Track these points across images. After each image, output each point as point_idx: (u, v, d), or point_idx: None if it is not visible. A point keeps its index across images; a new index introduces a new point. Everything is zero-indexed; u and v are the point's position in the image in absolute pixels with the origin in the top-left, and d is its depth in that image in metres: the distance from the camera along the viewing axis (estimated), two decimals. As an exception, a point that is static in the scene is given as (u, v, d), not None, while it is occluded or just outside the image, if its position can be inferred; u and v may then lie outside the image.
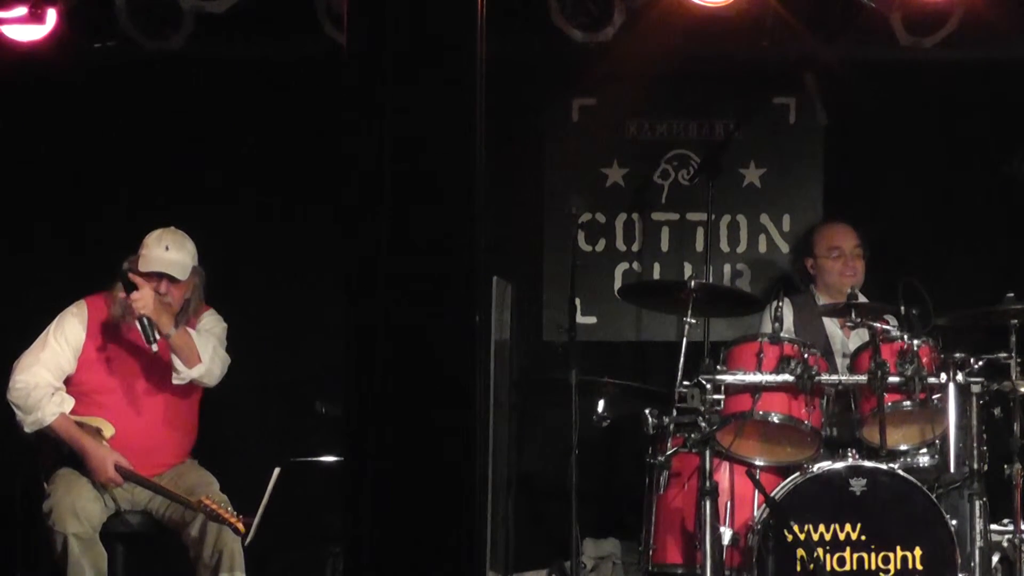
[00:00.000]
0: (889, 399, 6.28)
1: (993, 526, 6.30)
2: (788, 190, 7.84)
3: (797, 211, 7.82)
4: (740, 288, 7.70)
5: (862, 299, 6.92)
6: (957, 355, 6.26)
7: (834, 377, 6.45)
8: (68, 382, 6.40)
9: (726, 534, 6.14)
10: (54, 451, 6.35)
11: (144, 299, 6.27)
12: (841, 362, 6.90)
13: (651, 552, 6.46)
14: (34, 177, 7.59)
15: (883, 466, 6.20)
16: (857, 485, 6.15)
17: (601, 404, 6.75)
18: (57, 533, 6.17)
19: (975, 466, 6.22)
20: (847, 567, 6.11)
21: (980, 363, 6.29)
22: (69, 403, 6.35)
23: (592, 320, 7.76)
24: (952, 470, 6.22)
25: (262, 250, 7.64)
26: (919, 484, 6.16)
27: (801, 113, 7.77)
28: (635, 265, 7.84)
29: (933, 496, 6.16)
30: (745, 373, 6.35)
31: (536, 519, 7.57)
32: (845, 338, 7.08)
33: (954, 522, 6.16)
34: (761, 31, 7.21)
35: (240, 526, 6.10)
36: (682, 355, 6.42)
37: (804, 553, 6.08)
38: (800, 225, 7.75)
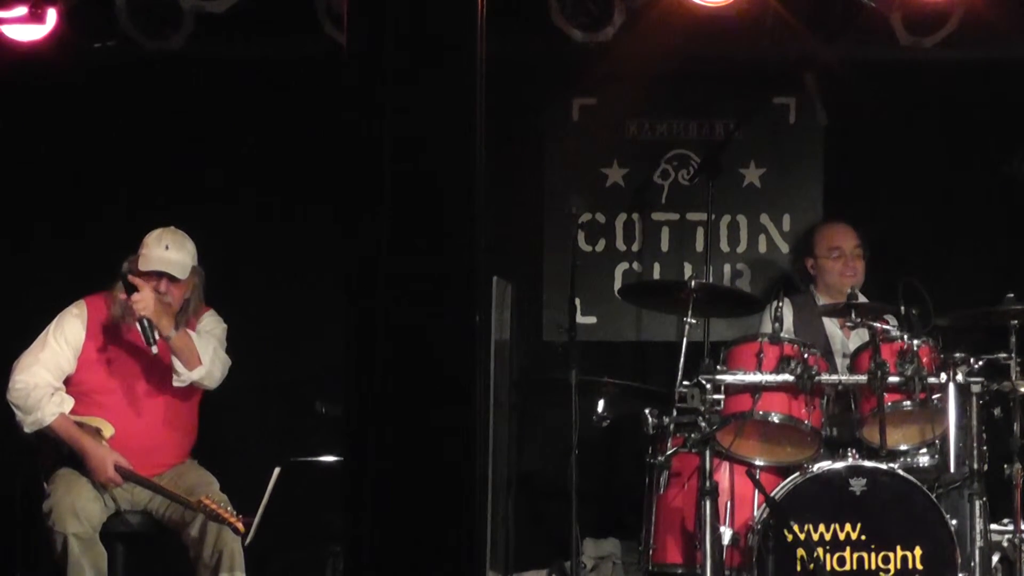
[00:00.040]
0: (889, 399, 6.28)
1: (993, 526, 6.30)
2: (788, 190, 7.84)
3: (797, 211, 7.82)
4: (740, 288, 7.70)
5: (862, 299, 6.92)
6: (957, 355, 6.26)
7: (834, 377, 6.45)
8: (68, 382, 6.40)
9: (726, 534, 6.14)
10: (54, 451, 6.35)
11: (145, 300, 6.27)
12: (841, 362, 6.90)
13: (651, 552, 6.46)
14: (34, 177, 7.59)
15: (883, 466, 6.20)
16: (857, 485, 6.15)
17: (601, 404, 6.75)
18: (57, 533, 6.17)
19: (975, 466, 6.22)
20: (847, 567, 6.11)
21: (980, 363, 6.29)
22: (69, 403, 6.35)
23: (592, 320, 7.76)
24: (952, 470, 6.21)
25: (262, 250, 7.64)
26: (919, 484, 6.16)
27: (801, 113, 7.77)
28: (635, 265, 7.84)
29: (933, 496, 6.16)
30: (745, 373, 6.35)
31: (536, 519, 7.57)
32: (845, 338, 7.09)
33: (954, 522, 6.16)
34: (761, 31, 7.21)
35: (240, 526, 6.10)
36: (682, 355, 6.42)
37: (804, 553, 6.08)
38: (800, 225, 7.75)
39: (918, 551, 6.11)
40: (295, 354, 7.56)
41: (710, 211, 7.29)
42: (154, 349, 6.26)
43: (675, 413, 6.23)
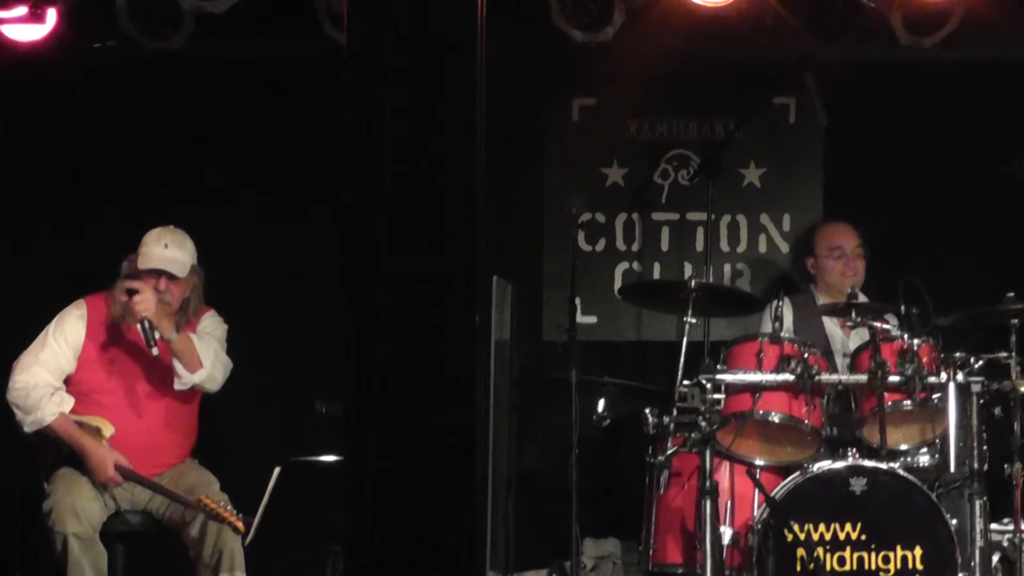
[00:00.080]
0: (889, 399, 6.28)
1: (993, 526, 6.30)
2: (788, 190, 7.84)
3: (797, 211, 7.82)
4: (740, 288, 7.70)
5: (862, 299, 6.92)
6: (957, 355, 6.27)
7: (834, 377, 6.45)
8: (68, 382, 6.40)
9: (726, 534, 6.14)
10: (54, 451, 6.35)
11: (145, 301, 6.27)
12: (841, 362, 6.90)
13: (651, 552, 6.46)
14: (34, 177, 7.59)
15: (883, 466, 6.20)
16: (857, 485, 6.15)
17: (601, 404, 6.74)
18: (57, 533, 6.17)
19: (975, 466, 6.22)
20: (847, 567, 6.11)
21: (980, 363, 6.29)
22: (69, 403, 6.35)
23: (592, 320, 7.76)
24: (952, 470, 6.21)
25: (262, 250, 7.64)
26: (919, 484, 6.16)
27: (801, 113, 7.77)
28: (635, 265, 7.84)
29: (933, 496, 6.16)
30: (745, 373, 6.35)
31: (536, 519, 7.57)
32: (845, 338, 7.09)
33: (954, 522, 6.16)
34: (761, 31, 7.21)
35: (240, 525, 6.10)
36: (682, 355, 6.41)
37: (804, 553, 6.08)
38: (800, 225, 7.75)
39: (918, 551, 6.11)
40: (295, 354, 7.55)
41: (710, 211, 7.29)
42: (154, 351, 6.26)
43: (675, 413, 6.23)
